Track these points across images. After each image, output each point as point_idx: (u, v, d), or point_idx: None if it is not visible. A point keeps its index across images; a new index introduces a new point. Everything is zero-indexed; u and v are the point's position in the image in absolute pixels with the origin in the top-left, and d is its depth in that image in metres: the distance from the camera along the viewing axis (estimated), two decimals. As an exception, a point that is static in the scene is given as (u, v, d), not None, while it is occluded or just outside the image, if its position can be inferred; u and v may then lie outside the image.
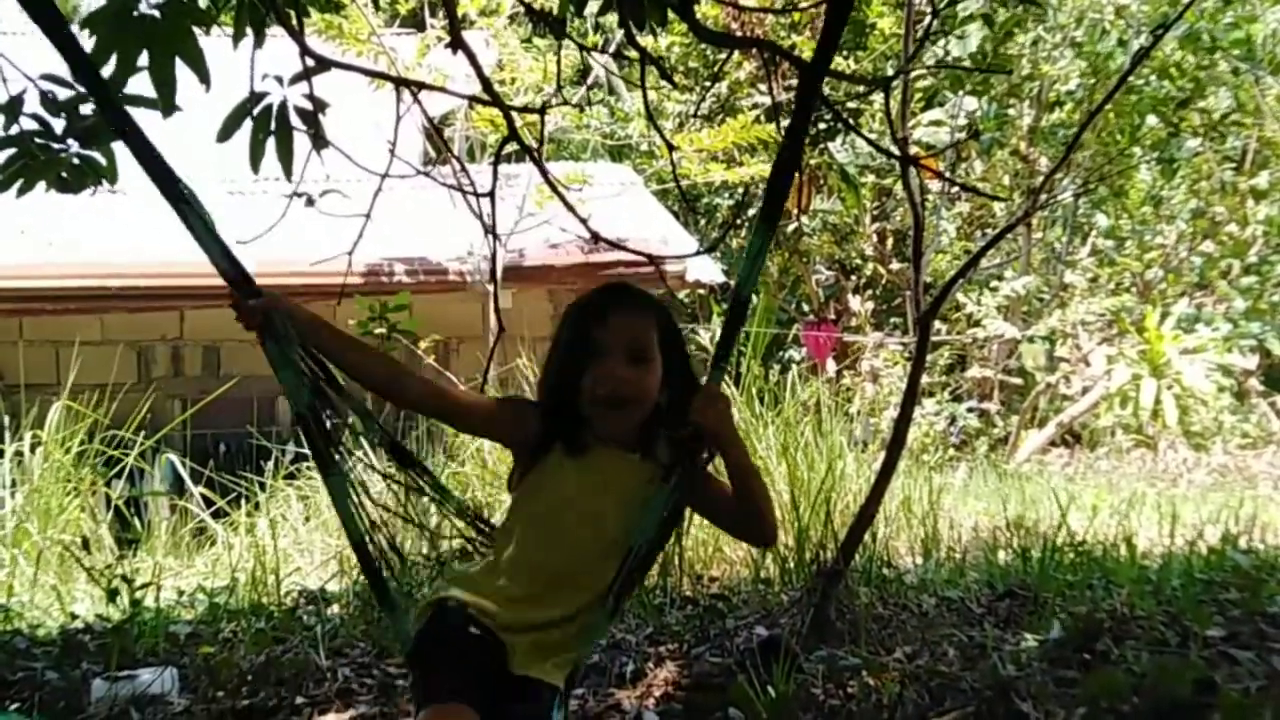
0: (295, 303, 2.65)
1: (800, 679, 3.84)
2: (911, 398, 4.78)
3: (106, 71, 3.19)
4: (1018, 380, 14.16)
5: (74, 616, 5.09)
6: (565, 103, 5.86)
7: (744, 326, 2.61)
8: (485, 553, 2.71)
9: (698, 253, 8.50)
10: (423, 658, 2.48)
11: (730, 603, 5.20)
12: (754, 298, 2.49)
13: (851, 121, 9.97)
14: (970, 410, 13.27)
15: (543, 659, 2.43)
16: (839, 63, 12.70)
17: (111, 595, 4.76)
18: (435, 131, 6.55)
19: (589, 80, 10.03)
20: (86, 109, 3.42)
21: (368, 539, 2.67)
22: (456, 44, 3.85)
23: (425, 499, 2.89)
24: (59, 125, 3.45)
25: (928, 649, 4.24)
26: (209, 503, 7.06)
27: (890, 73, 13.64)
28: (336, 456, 2.65)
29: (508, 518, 2.64)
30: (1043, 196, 7.96)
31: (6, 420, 6.74)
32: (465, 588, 2.50)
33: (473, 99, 5.69)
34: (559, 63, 5.38)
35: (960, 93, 12.85)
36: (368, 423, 2.76)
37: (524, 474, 2.58)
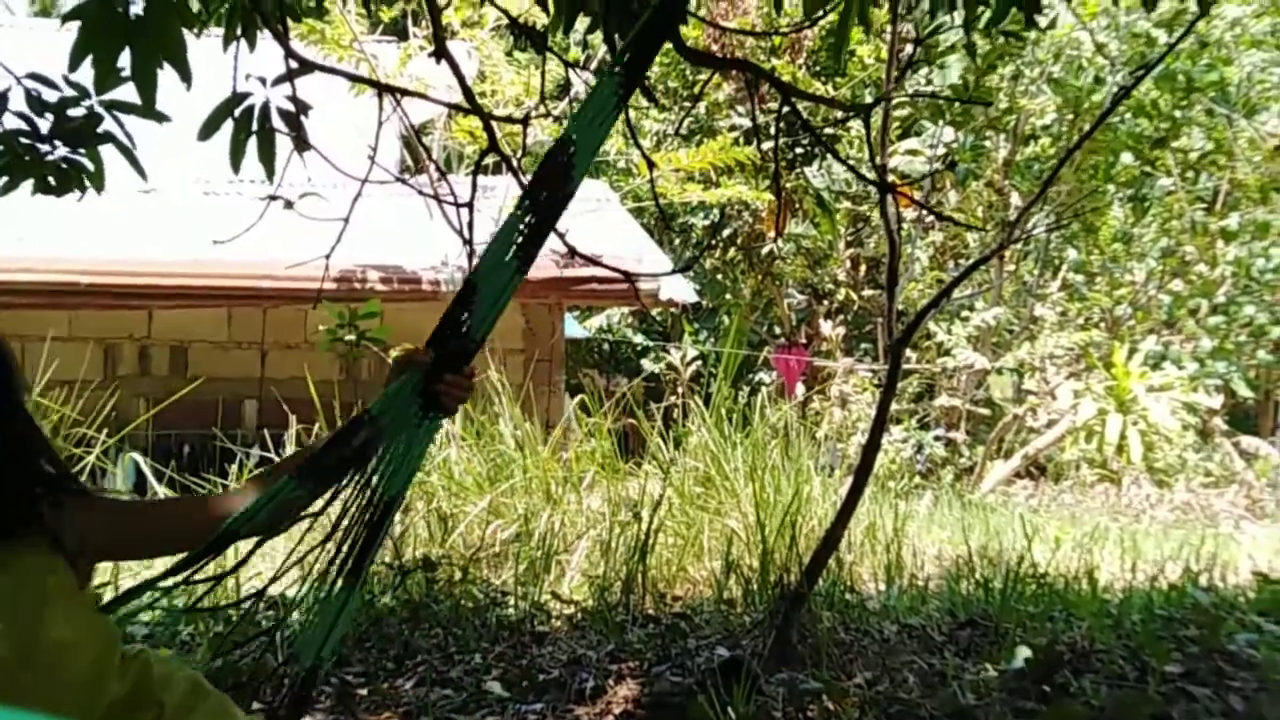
0: None
1: (760, 701, 3.83)
2: (880, 425, 4.79)
3: (87, 66, 3.18)
4: (985, 411, 14.22)
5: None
6: (547, 114, 5.84)
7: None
8: None
9: (672, 272, 8.53)
10: None
11: (692, 622, 5.19)
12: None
13: (829, 147, 10.02)
14: (937, 439, 13.33)
15: None
16: (818, 88, 12.79)
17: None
18: (414, 139, 6.55)
19: (570, 95, 10.03)
20: (75, 111, 3.39)
21: None
22: (440, 53, 3.84)
23: None
24: (46, 125, 3.42)
25: (888, 675, 4.24)
26: (171, 504, 6.99)
27: (869, 99, 13.76)
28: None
29: None
30: (1017, 231, 8.00)
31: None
32: None
33: (454, 107, 5.68)
34: (543, 75, 5.39)
35: (940, 123, 12.94)
36: None
37: None
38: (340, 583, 2.07)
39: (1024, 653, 4.28)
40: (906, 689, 4.05)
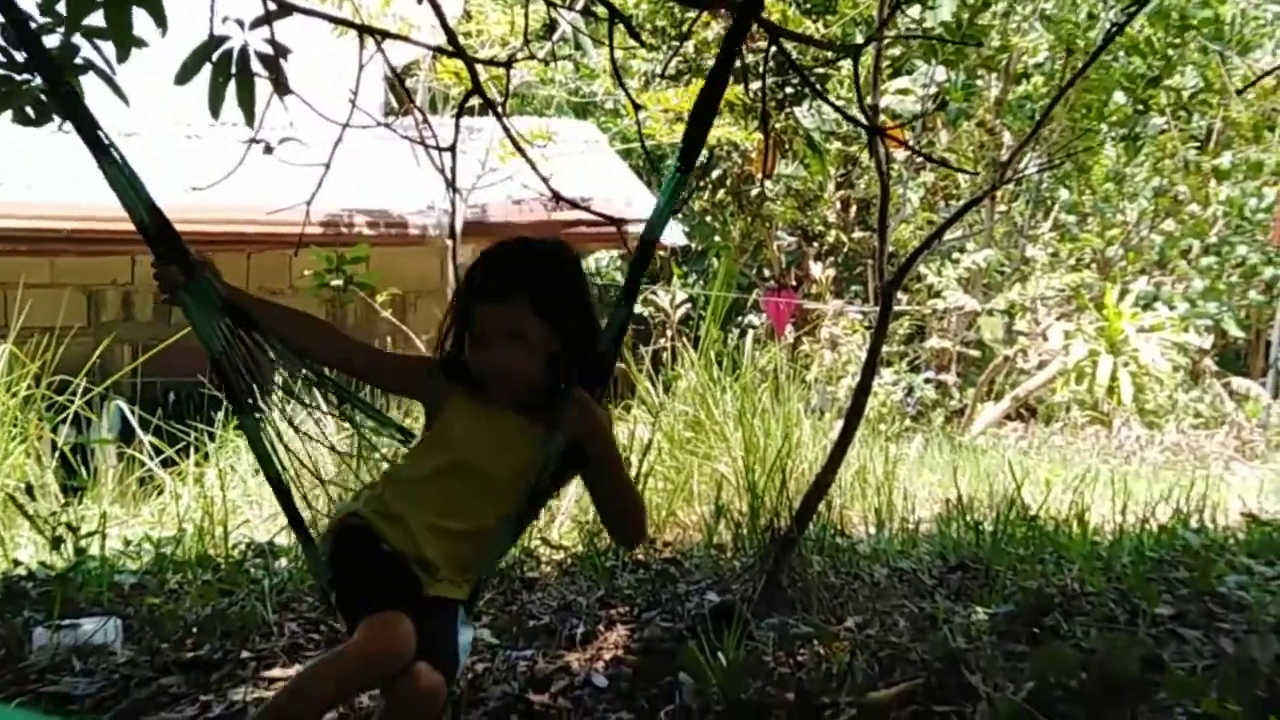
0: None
1: (751, 646, 3.82)
2: (871, 368, 4.76)
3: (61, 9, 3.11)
4: (975, 353, 14.22)
5: (17, 563, 5.00)
6: (531, 57, 5.76)
7: (646, 270, 2.75)
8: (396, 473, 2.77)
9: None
10: (346, 577, 2.58)
11: (682, 568, 5.18)
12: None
13: (819, 87, 9.91)
14: (928, 381, 13.32)
15: (448, 573, 2.55)
16: (808, 26, 12.64)
17: (55, 543, 4.68)
18: (398, 82, 6.46)
19: (555, 35, 9.91)
20: (51, 40, 3.31)
21: (284, 478, 2.76)
22: (422, -8, 3.77)
23: (370, 428, 3.02)
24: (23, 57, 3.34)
25: (878, 619, 4.22)
26: (158, 451, 6.96)
27: (859, 38, 13.62)
28: (250, 400, 2.73)
29: (418, 447, 2.77)
30: (1009, 172, 7.93)
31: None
32: (372, 506, 2.59)
33: (437, 50, 5.60)
34: (526, 16, 5.30)
35: (932, 63, 12.81)
36: (289, 361, 2.81)
37: (434, 418, 2.71)
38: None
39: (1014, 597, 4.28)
40: (897, 632, 4.03)
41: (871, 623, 4.17)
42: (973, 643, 3.84)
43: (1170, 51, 12.63)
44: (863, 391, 4.70)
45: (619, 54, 4.05)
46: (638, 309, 14.79)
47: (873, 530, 6.25)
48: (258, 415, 2.74)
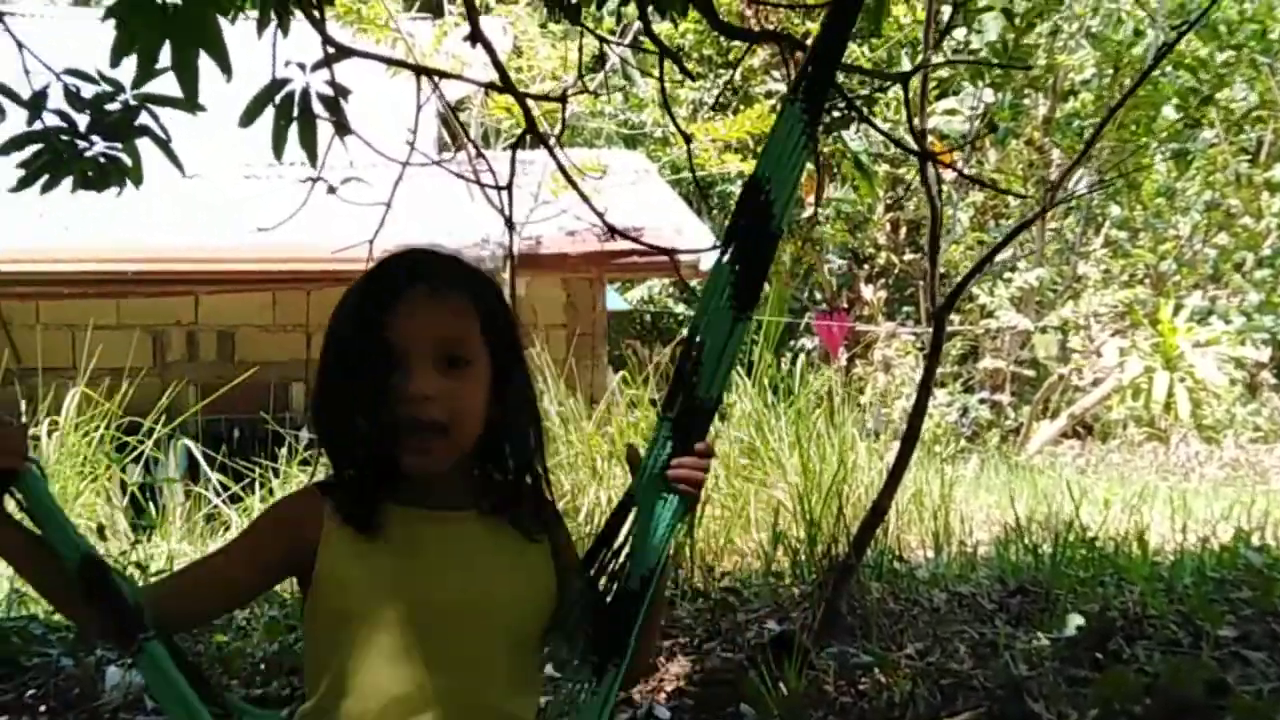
0: None
1: (812, 675, 3.85)
2: (926, 392, 4.78)
3: (129, 63, 3.20)
4: (1030, 372, 14.14)
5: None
6: (583, 91, 5.84)
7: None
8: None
9: (714, 247, 8.47)
10: None
11: (741, 596, 5.20)
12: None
13: (866, 110, 9.93)
14: (982, 401, 13.26)
15: None
16: (852, 50, 12.67)
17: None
18: (451, 118, 6.57)
19: (605, 68, 10.01)
20: (112, 106, 3.42)
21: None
22: (476, 37, 3.85)
23: None
24: (84, 121, 3.45)
25: (939, 646, 4.24)
26: (223, 488, 7.09)
27: (904, 60, 13.63)
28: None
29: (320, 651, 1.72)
30: (1060, 193, 7.92)
31: (24, 404, 6.77)
32: None
33: (490, 87, 5.68)
34: (580, 51, 5.38)
35: (980, 85, 12.80)
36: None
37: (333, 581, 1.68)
38: (608, 667, 1.75)
39: (1076, 620, 4.28)
40: (958, 659, 4.05)
41: (932, 649, 4.19)
42: (1035, 669, 3.85)
43: (1224, 69, 12.51)
44: (918, 415, 4.72)
45: (667, 84, 4.12)
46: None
47: (930, 554, 6.25)
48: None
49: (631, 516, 1.76)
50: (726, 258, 1.89)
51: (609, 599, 1.75)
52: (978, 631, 4.41)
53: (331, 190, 4.33)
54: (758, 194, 1.92)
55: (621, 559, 1.75)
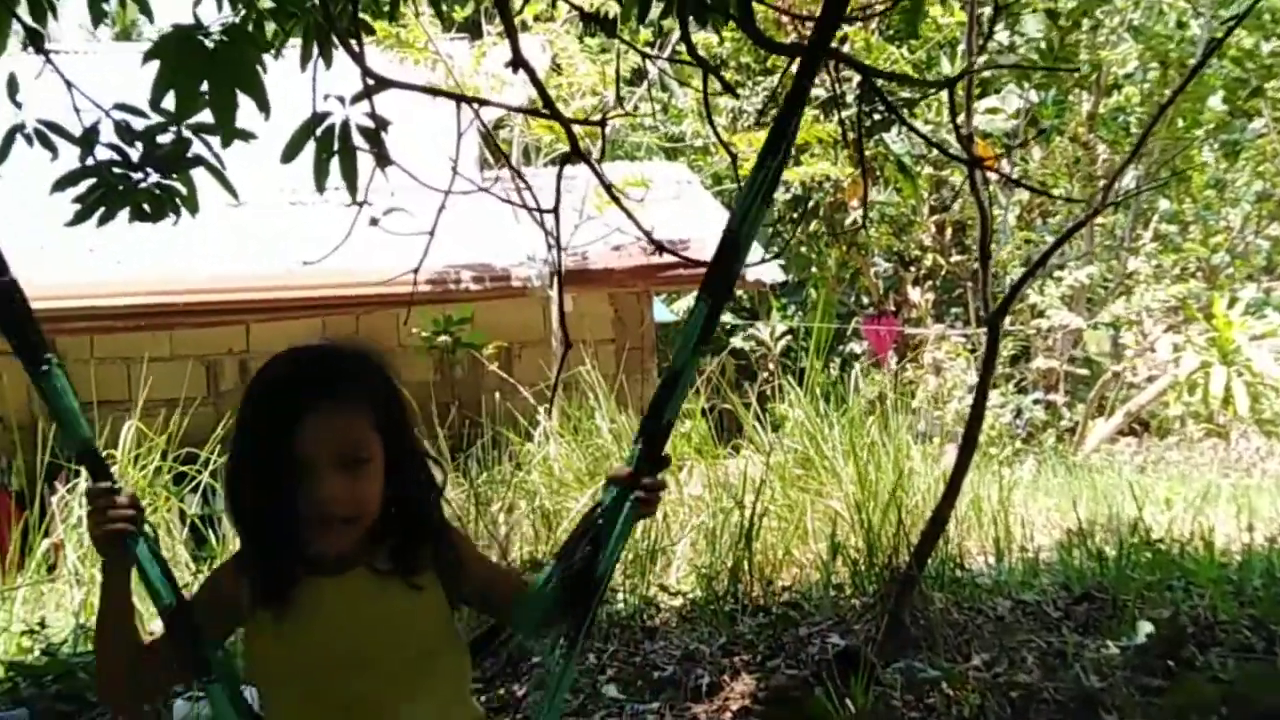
0: None
1: (878, 691, 3.81)
2: (982, 399, 4.72)
3: (169, 102, 3.22)
4: (1084, 371, 13.97)
5: (153, 634, 5.13)
6: (624, 113, 5.84)
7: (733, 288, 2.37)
8: None
9: (760, 262, 8.47)
10: None
11: (802, 610, 5.16)
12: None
13: (907, 111, 9.86)
14: (1036, 402, 13.12)
15: None
16: (891, 52, 12.60)
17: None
18: (492, 139, 6.59)
19: (645, 82, 10.01)
20: (164, 137, 3.44)
21: None
22: (518, 63, 3.84)
23: None
24: (135, 153, 3.48)
25: (1006, 656, 4.18)
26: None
27: (944, 61, 13.55)
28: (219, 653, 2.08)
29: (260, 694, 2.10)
30: (1110, 194, 7.83)
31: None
32: None
33: (531, 113, 5.69)
34: (618, 71, 5.38)
35: (1025, 86, 12.70)
36: None
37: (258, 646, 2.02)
38: (561, 657, 2.14)
39: (1146, 628, 4.20)
40: (1026, 670, 4.00)
41: (999, 660, 4.13)
42: (1105, 679, 3.78)
43: (1273, 59, 12.30)
44: (975, 423, 4.67)
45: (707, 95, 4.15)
46: (739, 344, 14.89)
47: (992, 561, 6.17)
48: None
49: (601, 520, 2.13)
50: (701, 300, 2.20)
51: (577, 587, 2.10)
52: (1045, 641, 4.35)
53: (374, 222, 4.34)
54: (730, 234, 2.21)
55: (590, 555, 2.12)
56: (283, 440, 1.90)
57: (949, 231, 14.87)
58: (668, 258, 9.21)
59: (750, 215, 2.21)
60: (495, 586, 2.17)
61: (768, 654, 4.48)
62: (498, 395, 8.08)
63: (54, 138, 3.46)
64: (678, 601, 5.47)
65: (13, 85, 3.40)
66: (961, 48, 13.03)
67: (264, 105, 3.38)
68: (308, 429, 1.90)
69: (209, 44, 3.17)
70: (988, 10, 6.63)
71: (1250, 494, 8.04)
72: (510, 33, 3.89)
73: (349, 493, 1.92)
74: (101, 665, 2.16)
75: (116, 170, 3.51)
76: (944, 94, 4.20)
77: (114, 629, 2.02)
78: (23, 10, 3.51)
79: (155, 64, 3.15)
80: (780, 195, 14.64)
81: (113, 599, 2.00)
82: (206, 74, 3.17)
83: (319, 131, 3.62)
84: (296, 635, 1.95)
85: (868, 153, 12.84)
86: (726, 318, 17.05)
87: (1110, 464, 11.41)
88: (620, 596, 5.42)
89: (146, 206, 3.62)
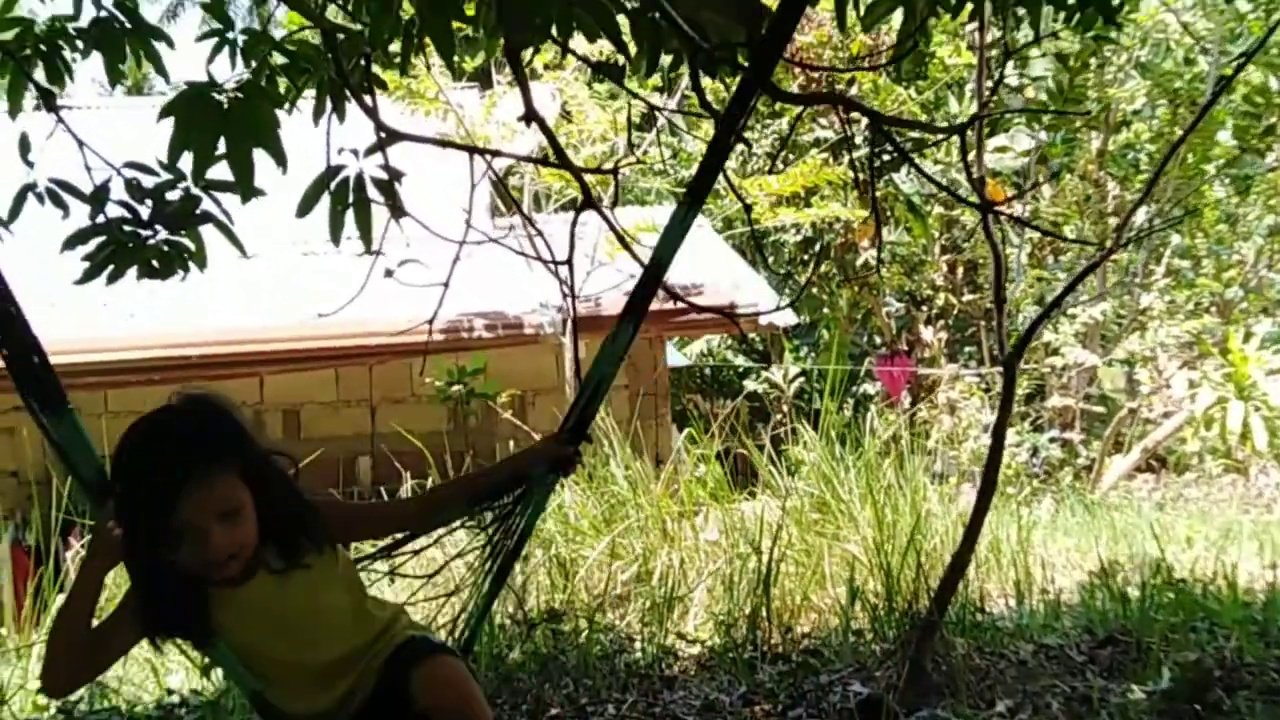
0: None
1: (903, 740, 3.76)
2: (1000, 442, 4.69)
3: (185, 160, 3.24)
4: (1099, 408, 13.91)
5: (170, 691, 5.11)
6: (636, 161, 5.86)
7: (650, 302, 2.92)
8: None
9: (774, 310, 8.48)
10: None
11: (822, 657, 5.11)
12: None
13: (916, 153, 9.89)
14: (1052, 440, 13.06)
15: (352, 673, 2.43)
16: (899, 94, 12.65)
17: (206, 668, 4.77)
18: (503, 187, 6.61)
19: (655, 129, 10.04)
20: (173, 195, 3.46)
21: None
22: (530, 117, 3.85)
23: None
24: (145, 211, 3.49)
25: (1030, 702, 4.14)
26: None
27: (952, 101, 13.60)
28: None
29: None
30: (1122, 235, 7.82)
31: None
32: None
33: (542, 163, 5.71)
34: (629, 120, 5.40)
35: (1035, 127, 12.72)
36: None
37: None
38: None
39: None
40: (1051, 716, 3.95)
41: (1023, 707, 4.09)
42: (1133, 725, 3.74)
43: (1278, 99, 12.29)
44: (993, 467, 4.63)
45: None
46: (752, 386, 14.85)
47: (1013, 603, 6.12)
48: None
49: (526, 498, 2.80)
50: (627, 320, 2.90)
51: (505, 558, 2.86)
52: (1069, 686, 4.30)
53: (389, 274, 4.35)
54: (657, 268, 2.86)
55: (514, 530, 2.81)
56: (163, 516, 2.19)
57: (960, 270, 14.86)
58: (680, 304, 9.24)
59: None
60: (381, 521, 2.84)
61: (789, 703, 4.43)
62: (512, 443, 8.07)
63: (65, 196, 3.49)
64: (696, 649, 5.43)
65: (24, 145, 3.42)
66: (970, 87, 13.09)
67: (281, 160, 3.39)
68: (184, 502, 2.20)
69: (223, 100, 3.19)
70: (995, 52, 6.66)
71: (1272, 530, 7.97)
72: (522, 86, 3.90)
73: (231, 539, 2.25)
74: (57, 652, 2.33)
75: (126, 228, 3.52)
76: (964, 146, 4.19)
77: (80, 614, 2.28)
78: (39, 73, 3.54)
79: (169, 120, 3.17)
80: (791, 237, 14.68)
81: (90, 588, 2.29)
82: (222, 131, 3.19)
83: (333, 185, 3.63)
84: (232, 637, 2.36)
85: (878, 193, 12.87)
86: (739, 360, 17.06)
87: (1129, 501, 11.34)
88: (638, 645, 5.38)
89: (155, 263, 3.64)
